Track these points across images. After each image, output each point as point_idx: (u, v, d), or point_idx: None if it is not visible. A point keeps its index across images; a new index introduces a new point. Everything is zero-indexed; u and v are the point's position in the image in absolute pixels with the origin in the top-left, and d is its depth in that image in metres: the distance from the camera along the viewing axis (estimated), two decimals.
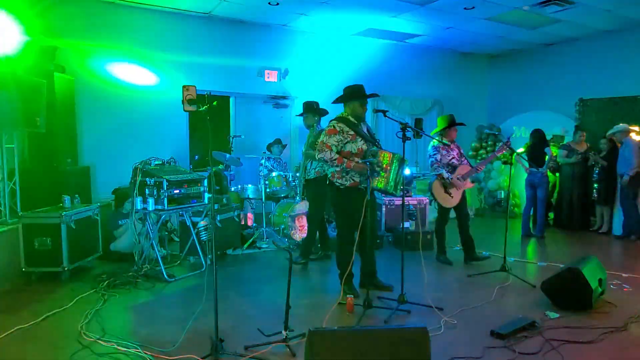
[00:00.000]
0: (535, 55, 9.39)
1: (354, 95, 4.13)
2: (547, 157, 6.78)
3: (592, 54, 8.47)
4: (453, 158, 5.21)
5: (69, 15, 6.19)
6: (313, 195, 5.38)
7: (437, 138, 5.16)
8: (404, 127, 3.75)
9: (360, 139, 4.05)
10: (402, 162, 3.97)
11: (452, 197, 5.17)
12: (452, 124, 5.20)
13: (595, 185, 7.27)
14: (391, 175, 3.88)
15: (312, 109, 5.37)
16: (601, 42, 8.28)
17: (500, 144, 5.28)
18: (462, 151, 5.46)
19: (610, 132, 7.03)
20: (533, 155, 6.79)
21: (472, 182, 5.42)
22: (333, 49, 8.42)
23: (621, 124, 6.93)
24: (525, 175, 7.09)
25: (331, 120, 4.15)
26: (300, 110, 5.51)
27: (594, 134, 7.60)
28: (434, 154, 5.16)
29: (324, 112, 5.39)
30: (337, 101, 4.25)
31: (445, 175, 5.08)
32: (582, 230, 7.37)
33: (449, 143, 5.20)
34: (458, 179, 5.12)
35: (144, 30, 6.77)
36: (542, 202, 6.92)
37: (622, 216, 6.86)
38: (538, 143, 6.88)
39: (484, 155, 8.96)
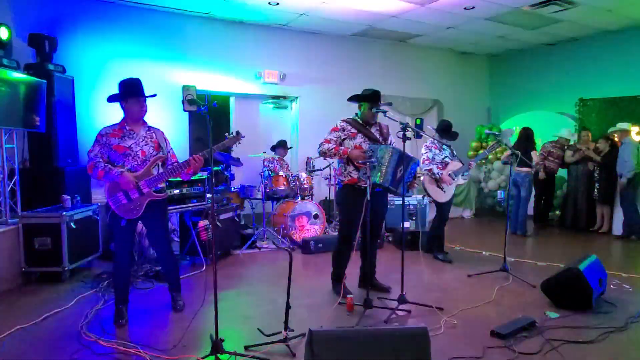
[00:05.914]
0: (536, 55, 9.38)
1: (363, 98, 4.14)
2: (531, 158, 6.82)
3: (592, 54, 8.46)
4: (446, 157, 5.39)
5: (69, 14, 6.19)
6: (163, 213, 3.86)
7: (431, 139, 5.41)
8: (404, 127, 3.76)
9: (360, 137, 4.06)
10: (403, 158, 3.86)
11: (445, 191, 5.33)
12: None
13: (596, 184, 7.27)
14: (387, 169, 3.81)
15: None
16: (601, 42, 8.28)
17: (493, 143, 5.42)
18: (454, 152, 5.59)
19: (611, 129, 7.02)
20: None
21: (465, 179, 5.61)
22: (333, 48, 8.41)
23: (623, 123, 6.91)
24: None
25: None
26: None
27: (593, 134, 7.61)
28: (426, 152, 5.37)
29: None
30: (351, 99, 4.24)
31: (435, 171, 5.24)
32: (582, 230, 7.37)
33: (441, 143, 5.37)
34: (450, 174, 5.24)
35: (144, 30, 6.76)
36: (524, 201, 7.02)
37: (622, 216, 6.87)
38: (523, 141, 6.97)
39: None
